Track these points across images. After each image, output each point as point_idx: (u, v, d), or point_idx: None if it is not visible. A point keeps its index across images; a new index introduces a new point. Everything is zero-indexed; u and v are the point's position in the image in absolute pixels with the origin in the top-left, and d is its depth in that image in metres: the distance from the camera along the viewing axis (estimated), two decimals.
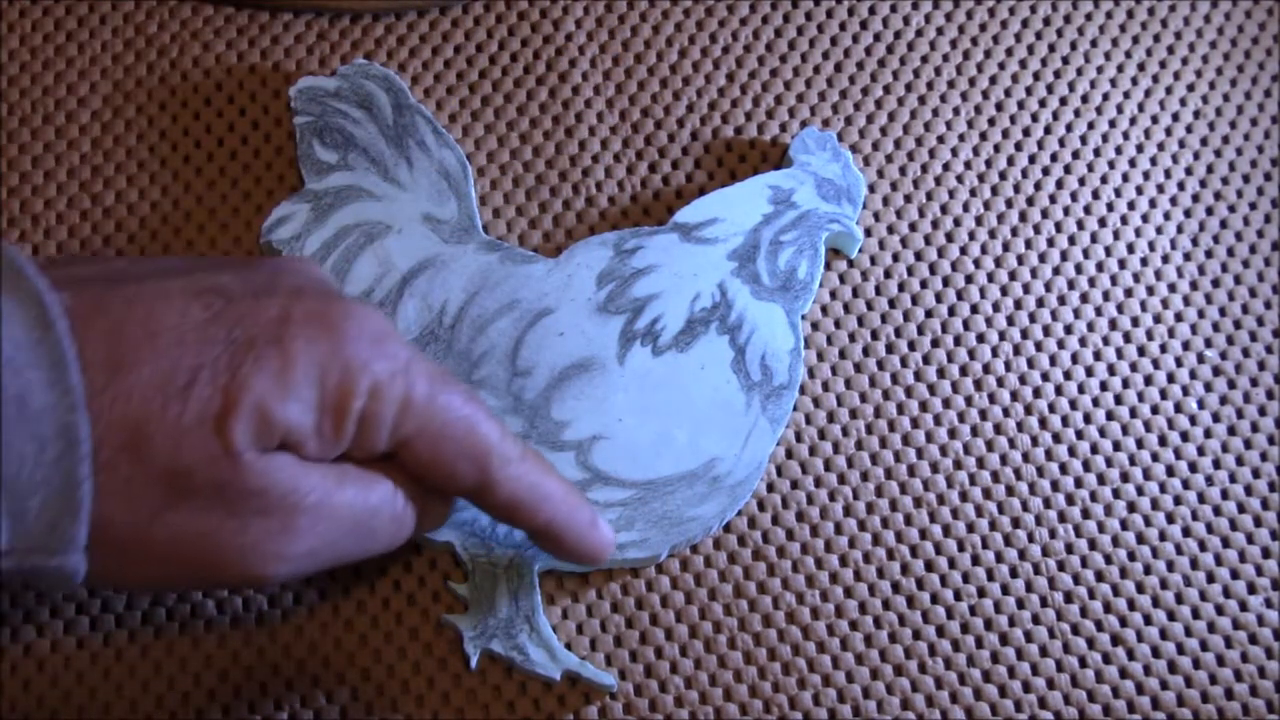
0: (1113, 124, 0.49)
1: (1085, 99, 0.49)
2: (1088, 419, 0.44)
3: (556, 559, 0.40)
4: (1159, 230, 0.47)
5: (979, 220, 0.47)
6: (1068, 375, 0.45)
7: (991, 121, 0.48)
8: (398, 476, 0.36)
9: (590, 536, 0.38)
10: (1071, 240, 0.47)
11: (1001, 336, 0.45)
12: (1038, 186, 0.47)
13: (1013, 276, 0.46)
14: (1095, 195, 0.48)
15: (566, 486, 0.38)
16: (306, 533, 0.34)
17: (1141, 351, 0.45)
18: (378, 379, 0.34)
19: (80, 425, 0.31)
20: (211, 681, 0.40)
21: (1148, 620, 0.42)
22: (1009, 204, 0.47)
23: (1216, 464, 0.44)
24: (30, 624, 0.40)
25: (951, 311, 0.46)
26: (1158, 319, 0.46)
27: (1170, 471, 0.44)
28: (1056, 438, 0.44)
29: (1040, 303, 0.46)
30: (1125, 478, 0.44)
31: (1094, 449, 0.44)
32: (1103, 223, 0.47)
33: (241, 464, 0.32)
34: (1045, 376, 0.45)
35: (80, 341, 0.32)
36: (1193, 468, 0.44)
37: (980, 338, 0.45)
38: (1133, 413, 0.45)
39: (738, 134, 0.48)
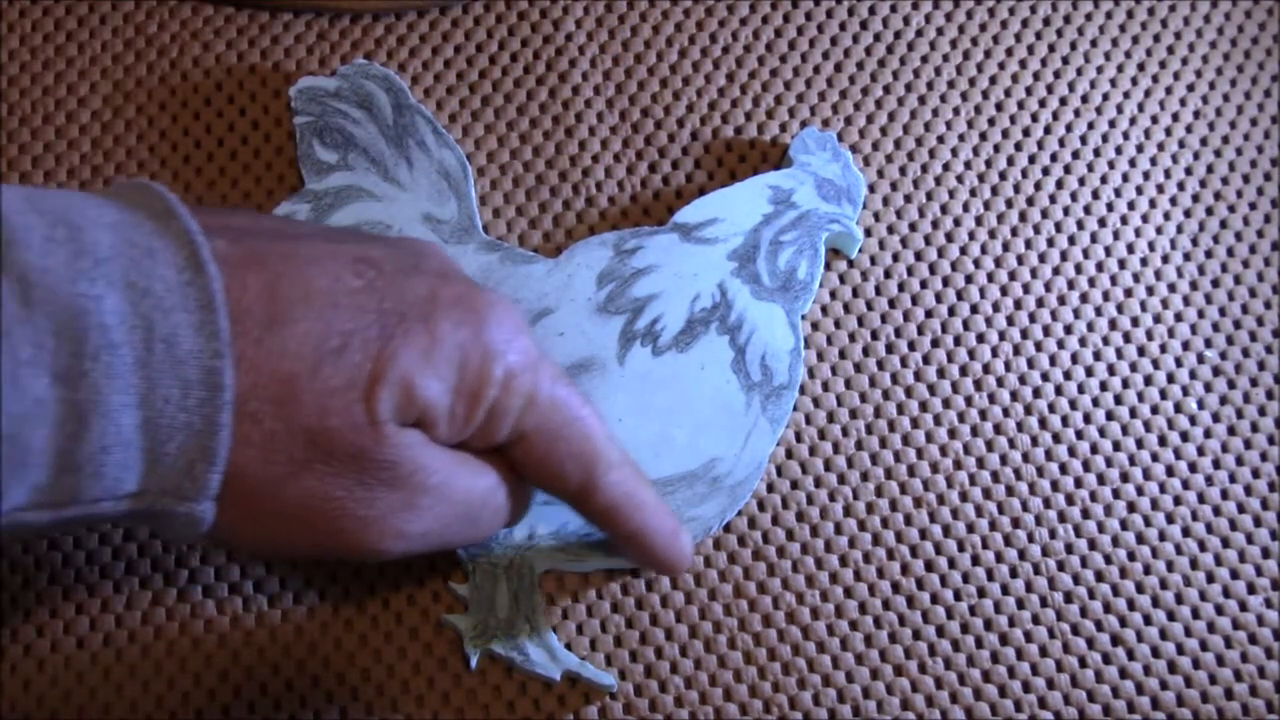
0: (1113, 124, 0.49)
1: (1085, 99, 0.49)
2: (1088, 419, 0.44)
3: (634, 564, 0.40)
4: (1159, 230, 0.47)
5: (979, 220, 0.47)
6: (1068, 375, 0.45)
7: (991, 121, 0.48)
8: (504, 470, 0.36)
9: (674, 546, 0.39)
10: (1071, 240, 0.47)
11: (1001, 336, 0.45)
12: (1038, 186, 0.48)
13: (1013, 276, 0.46)
14: (1095, 195, 0.48)
15: (657, 496, 0.38)
16: (426, 512, 0.34)
17: (1141, 351, 0.45)
18: (511, 370, 0.34)
19: (225, 372, 0.31)
20: (211, 681, 0.40)
21: (1148, 620, 0.42)
22: (1009, 204, 0.47)
23: (1216, 464, 0.44)
24: (30, 624, 0.40)
25: (951, 311, 0.46)
26: (1158, 319, 0.46)
27: (1170, 471, 0.44)
28: (1056, 438, 0.44)
29: (1040, 303, 0.46)
30: (1125, 478, 0.44)
31: (1094, 449, 0.44)
32: (1103, 223, 0.47)
33: (382, 434, 0.33)
34: (1045, 376, 0.45)
35: (235, 289, 0.32)
36: (1193, 468, 0.44)
37: (980, 338, 0.45)
38: (1133, 413, 0.45)
39: (738, 134, 0.48)
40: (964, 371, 0.45)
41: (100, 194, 0.32)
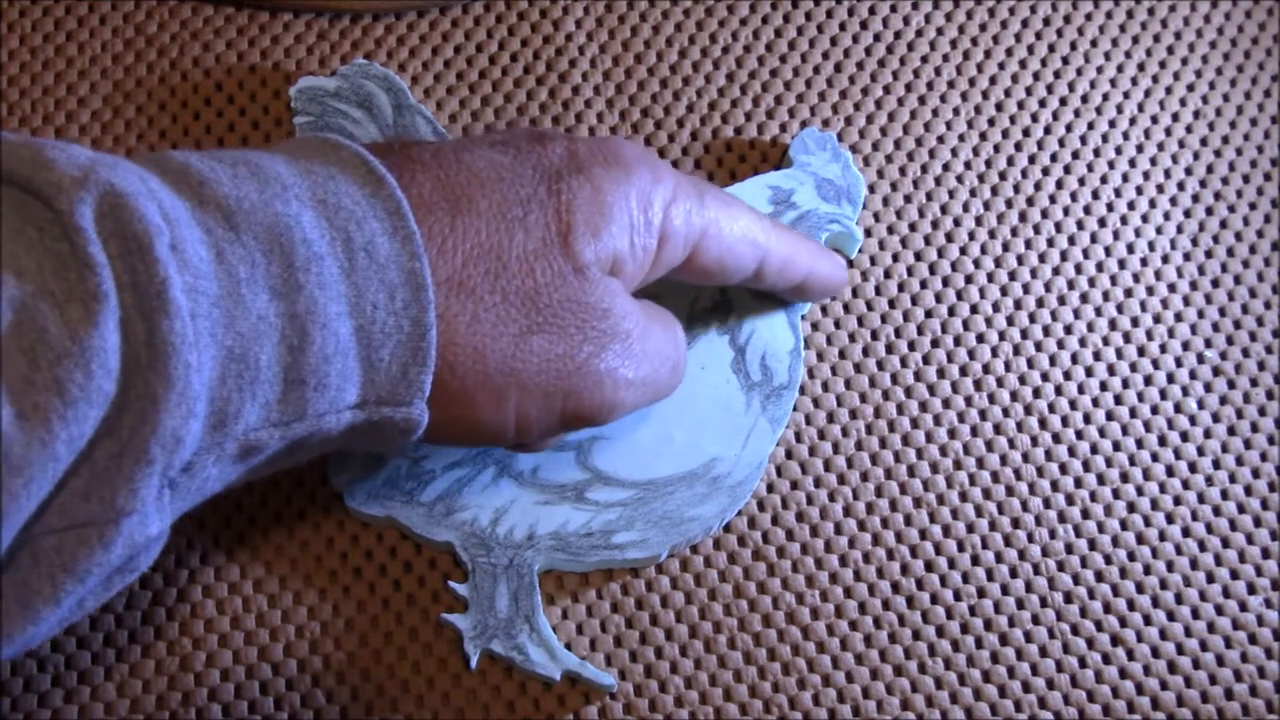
0: (1113, 124, 0.49)
1: (1085, 99, 0.49)
2: (1088, 419, 0.44)
3: (807, 299, 0.43)
4: (1159, 230, 0.47)
5: (979, 220, 0.47)
6: (1068, 375, 0.45)
7: (991, 121, 0.48)
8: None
9: (836, 270, 0.42)
10: (1071, 240, 0.47)
11: (1001, 336, 0.45)
12: (1038, 186, 0.48)
13: (1013, 276, 0.46)
14: (1095, 195, 0.48)
15: (799, 235, 0.42)
16: (643, 358, 0.36)
17: (1141, 351, 0.45)
18: (666, 197, 0.36)
19: (425, 272, 0.32)
20: (211, 681, 0.40)
21: (1148, 620, 0.42)
22: (1009, 204, 0.47)
23: (1216, 464, 0.44)
24: None
25: (951, 311, 0.46)
26: (1158, 319, 0.46)
27: (1170, 471, 0.44)
28: (1056, 438, 0.44)
29: (1040, 303, 0.46)
30: (1125, 478, 0.44)
31: (1094, 449, 0.44)
32: (1103, 223, 0.47)
33: (590, 279, 0.34)
34: (1045, 376, 0.45)
35: (413, 190, 0.33)
36: (1193, 468, 0.44)
37: (980, 338, 0.45)
38: (1133, 413, 0.45)
39: (738, 134, 0.48)
40: (964, 371, 0.45)
41: (260, 147, 0.34)
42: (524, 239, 0.34)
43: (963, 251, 0.46)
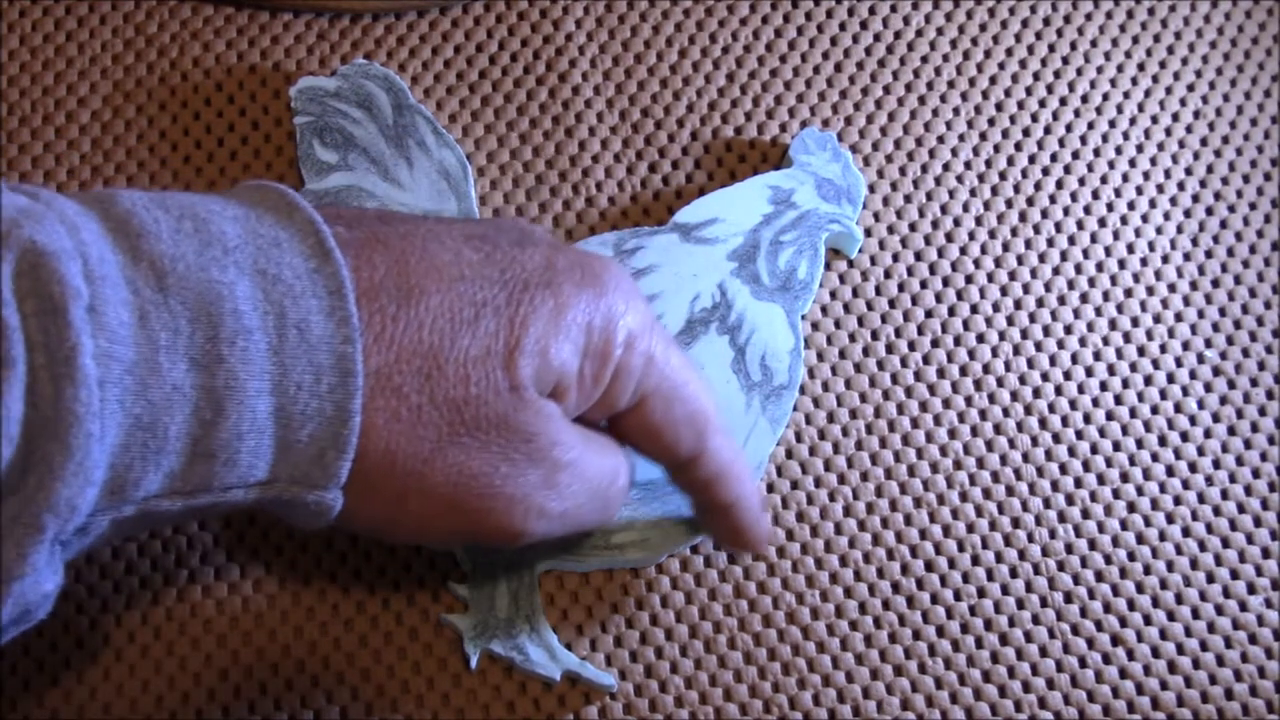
0: (1113, 124, 0.49)
1: (1085, 99, 0.49)
2: (1088, 419, 0.44)
3: (712, 533, 0.40)
4: (1159, 230, 0.47)
5: (979, 220, 0.47)
6: (1068, 375, 0.45)
7: (991, 121, 0.48)
8: (621, 449, 0.37)
9: (763, 520, 0.39)
10: (1071, 240, 0.47)
11: (1001, 336, 0.45)
12: (1038, 186, 0.48)
13: (1013, 276, 0.46)
14: (1095, 195, 0.48)
15: (749, 468, 0.39)
16: (565, 490, 0.34)
17: (1141, 351, 0.45)
18: (632, 330, 0.35)
19: (356, 358, 0.31)
20: (211, 681, 0.40)
21: (1148, 620, 0.42)
22: (1009, 204, 0.47)
23: (1216, 464, 0.44)
24: None
25: (951, 311, 0.46)
26: (1158, 319, 0.46)
27: (1170, 471, 0.44)
28: (1056, 438, 0.44)
29: (1040, 303, 0.46)
30: (1125, 478, 0.44)
31: (1094, 449, 0.44)
32: (1103, 223, 0.47)
33: (525, 400, 0.33)
34: (1045, 376, 0.45)
35: (364, 270, 0.32)
36: (1193, 468, 0.44)
37: (980, 338, 0.45)
38: (1133, 413, 0.45)
39: (738, 134, 0.48)
40: (964, 371, 0.45)
41: (218, 194, 0.33)
42: (468, 344, 0.32)
43: (963, 251, 0.46)
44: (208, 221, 0.30)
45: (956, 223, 0.47)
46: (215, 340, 0.29)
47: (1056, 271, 0.46)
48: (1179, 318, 0.46)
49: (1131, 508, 0.43)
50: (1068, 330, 0.46)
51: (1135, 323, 0.46)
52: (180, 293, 0.29)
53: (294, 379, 0.30)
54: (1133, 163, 0.48)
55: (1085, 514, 0.43)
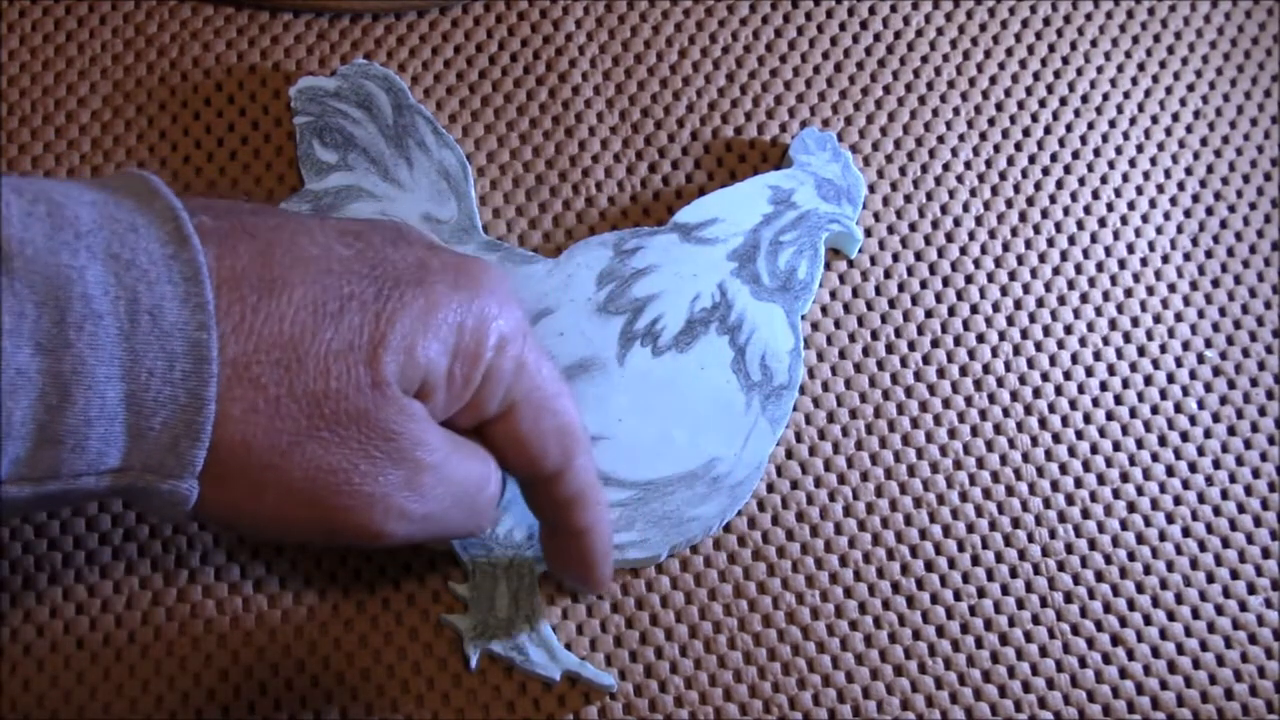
0: (1113, 124, 0.49)
1: (1085, 99, 0.49)
2: (1088, 419, 0.44)
3: (558, 566, 0.39)
4: (1159, 230, 0.47)
5: (979, 220, 0.47)
6: (1068, 375, 0.45)
7: (991, 121, 0.48)
8: (493, 458, 0.36)
9: (609, 558, 0.38)
10: (1071, 240, 0.47)
11: (1001, 336, 0.45)
12: (1038, 186, 0.48)
13: (1013, 276, 0.46)
14: (1095, 195, 0.48)
15: (607, 501, 0.38)
16: (428, 493, 0.34)
17: (1141, 351, 0.45)
18: (505, 335, 0.34)
19: (211, 345, 0.30)
20: (211, 681, 0.40)
21: (1148, 620, 0.42)
22: (1009, 204, 0.47)
23: (1216, 464, 0.44)
24: (30, 624, 0.40)
25: (951, 311, 0.46)
26: (1158, 319, 0.46)
27: (1170, 471, 0.44)
28: (1056, 438, 0.44)
29: (1040, 303, 0.46)
30: (1125, 478, 0.44)
31: (1094, 449, 0.44)
32: (1103, 223, 0.47)
33: (387, 397, 0.32)
34: (1045, 376, 0.45)
35: (226, 258, 0.31)
36: (1193, 468, 0.44)
37: (980, 338, 0.45)
38: (1133, 413, 0.45)
39: (738, 134, 0.48)
40: (964, 371, 0.45)
41: (83, 180, 0.32)
42: (330, 338, 0.32)
43: (963, 251, 0.46)
44: (62, 206, 0.30)
45: (956, 223, 0.47)
46: (62, 325, 0.29)
47: (1056, 271, 0.46)
48: (1179, 318, 0.46)
49: (1131, 508, 0.43)
50: (1068, 330, 0.46)
51: (1135, 323, 0.46)
52: (27, 275, 0.28)
53: (146, 365, 0.29)
54: (1133, 163, 0.48)
55: (1085, 514, 0.43)
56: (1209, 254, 0.47)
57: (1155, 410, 0.45)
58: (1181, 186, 0.48)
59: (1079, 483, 0.44)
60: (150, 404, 0.30)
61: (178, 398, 0.30)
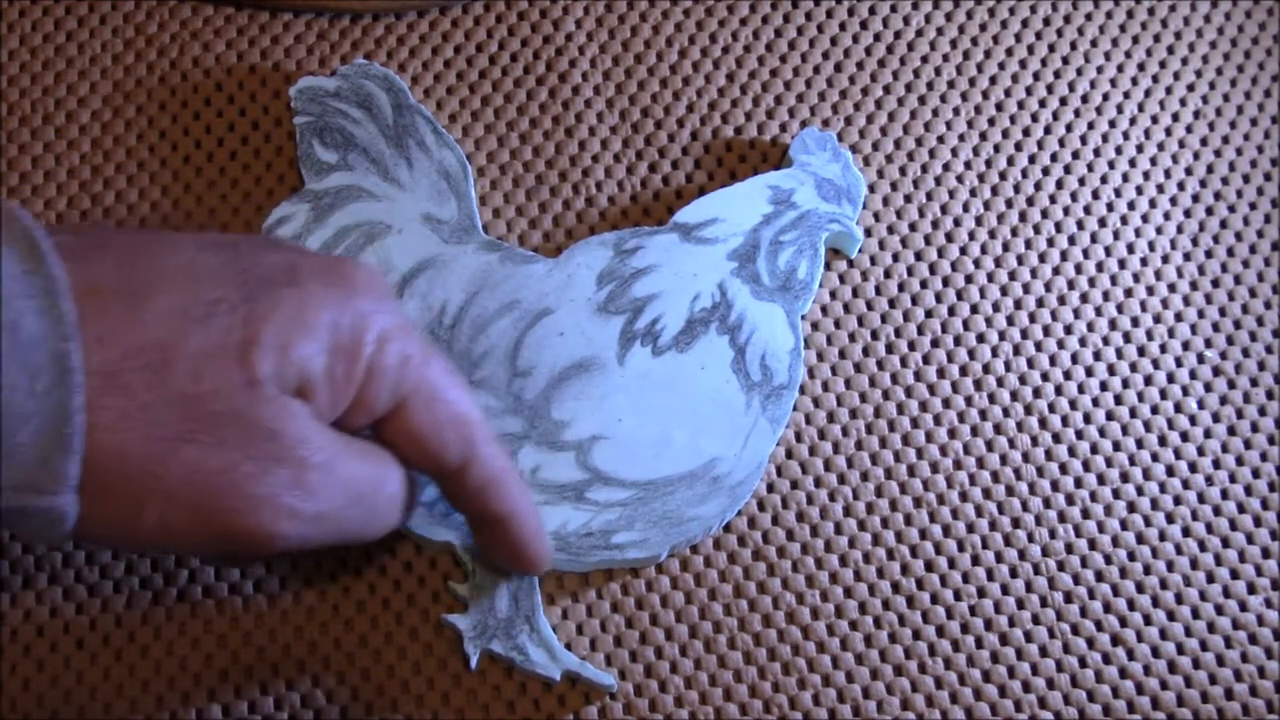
0: (1113, 124, 0.49)
1: (1085, 99, 0.49)
2: (1088, 419, 0.44)
3: (492, 555, 0.39)
4: (1159, 230, 0.47)
5: (979, 220, 0.47)
6: (1068, 375, 0.45)
7: (991, 121, 0.48)
8: (391, 456, 0.36)
9: (541, 536, 0.39)
10: (1071, 240, 0.47)
11: (1001, 336, 0.45)
12: (1038, 186, 0.48)
13: (1013, 276, 0.46)
14: (1095, 195, 0.48)
15: (524, 482, 0.38)
16: (317, 492, 0.33)
17: (1141, 351, 0.45)
18: (385, 331, 0.34)
19: (74, 355, 0.30)
20: (211, 681, 0.40)
21: (1148, 620, 0.42)
22: (1009, 204, 0.47)
23: (1216, 464, 0.44)
24: (30, 624, 0.40)
25: (951, 311, 0.46)
26: (1158, 319, 0.46)
27: (1170, 471, 0.44)
28: (1056, 438, 0.44)
29: (1040, 303, 0.46)
30: (1125, 478, 0.44)
31: (1094, 449, 0.44)
32: (1103, 223, 0.47)
33: (262, 395, 0.32)
34: (1045, 376, 0.45)
35: (86, 273, 0.31)
36: (1193, 468, 0.44)
37: (980, 338, 0.45)
38: (1133, 413, 0.45)
39: (738, 134, 0.48)
40: (964, 371, 0.45)
41: None
42: (200, 341, 0.31)
43: (963, 251, 0.46)
44: None
45: (956, 223, 0.47)
46: None
47: (1056, 271, 0.46)
48: (1179, 318, 0.46)
49: (1131, 508, 0.43)
50: (1068, 330, 0.46)
51: (1135, 323, 0.46)
52: None
53: (7, 380, 0.29)
54: (1133, 163, 0.48)
55: (1085, 514, 0.43)
56: (1209, 254, 0.47)
57: (1155, 410, 0.45)
58: (1181, 186, 0.48)
59: (1079, 483, 0.44)
60: (15, 419, 0.29)
61: (43, 410, 0.29)
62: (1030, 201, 0.47)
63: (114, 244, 0.33)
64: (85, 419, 0.30)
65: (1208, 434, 0.45)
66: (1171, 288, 0.46)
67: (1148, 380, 0.45)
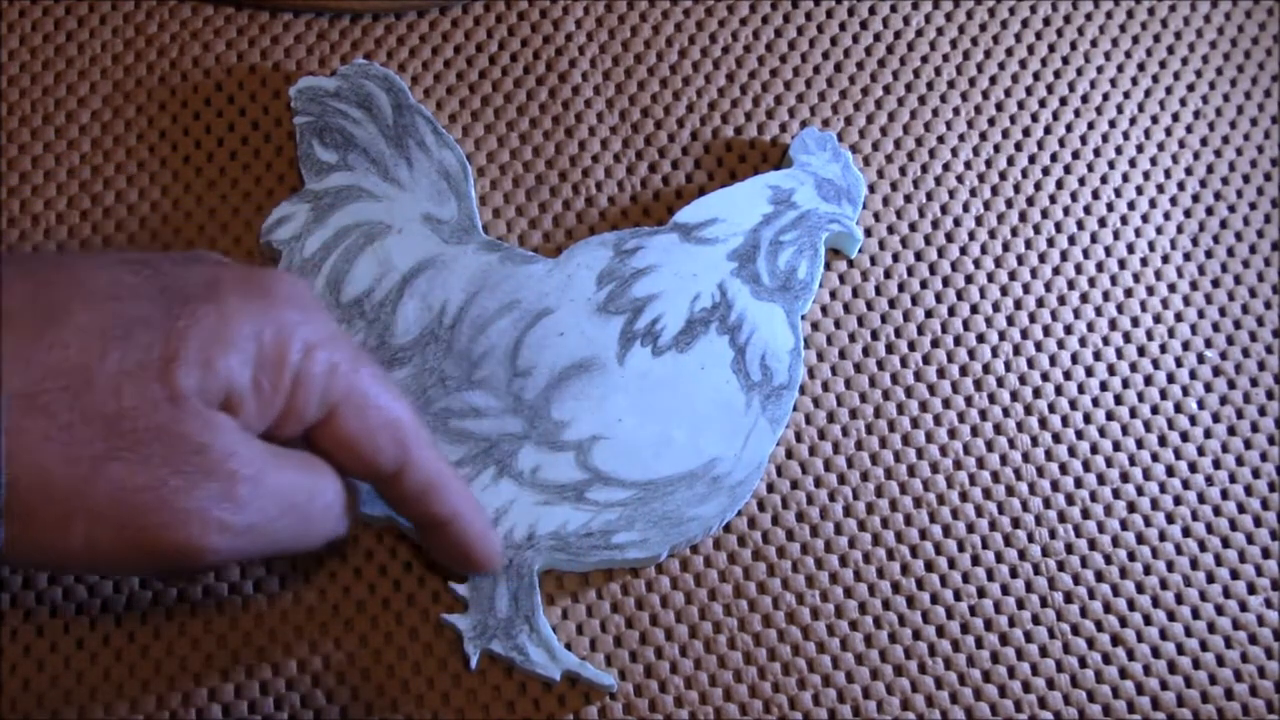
0: (1113, 124, 0.49)
1: (1085, 99, 0.49)
2: (1088, 419, 0.44)
3: (442, 559, 0.39)
4: (1159, 230, 0.47)
5: (979, 220, 0.47)
6: (1068, 375, 0.45)
7: (991, 121, 0.48)
8: (325, 466, 0.36)
9: (489, 535, 0.39)
10: (1071, 240, 0.47)
11: (1001, 336, 0.45)
12: (1038, 186, 0.48)
13: (1013, 276, 0.46)
14: (1095, 195, 0.48)
15: (465, 482, 0.38)
16: (248, 504, 0.33)
17: (1141, 351, 0.45)
18: (310, 340, 0.34)
19: None
20: (212, 681, 0.40)
21: (1148, 620, 0.42)
22: (1009, 204, 0.47)
23: (1216, 464, 0.44)
24: (30, 624, 0.40)
25: (951, 311, 0.46)
26: (1158, 319, 0.46)
27: (1170, 471, 0.44)
28: (1056, 438, 0.44)
29: (1040, 303, 0.46)
30: (1125, 478, 0.44)
31: (1094, 449, 0.44)
32: (1103, 223, 0.47)
33: (187, 409, 0.32)
34: (1045, 376, 0.45)
35: (3, 296, 0.31)
36: (1193, 468, 0.44)
37: (980, 338, 0.45)
38: (1133, 413, 0.45)
39: (738, 134, 0.48)
40: (964, 371, 0.45)
41: None
42: (119, 359, 0.31)
43: (963, 251, 0.46)
44: None
45: (956, 223, 0.47)
46: None
47: (1056, 271, 0.46)
48: (1179, 318, 0.46)
49: (1131, 508, 0.43)
50: (1068, 330, 0.46)
51: (1135, 323, 0.46)
52: None
53: None
54: (1133, 163, 0.48)
55: (1085, 514, 0.43)
56: (1209, 254, 0.47)
57: (1155, 410, 0.45)
58: (1181, 186, 0.48)
59: (1079, 483, 0.44)
60: None
61: None
62: (1030, 201, 0.47)
63: (30, 267, 0.33)
64: (6, 442, 0.30)
65: (1208, 434, 0.45)
66: (1171, 288, 0.46)
67: (1148, 380, 0.45)
